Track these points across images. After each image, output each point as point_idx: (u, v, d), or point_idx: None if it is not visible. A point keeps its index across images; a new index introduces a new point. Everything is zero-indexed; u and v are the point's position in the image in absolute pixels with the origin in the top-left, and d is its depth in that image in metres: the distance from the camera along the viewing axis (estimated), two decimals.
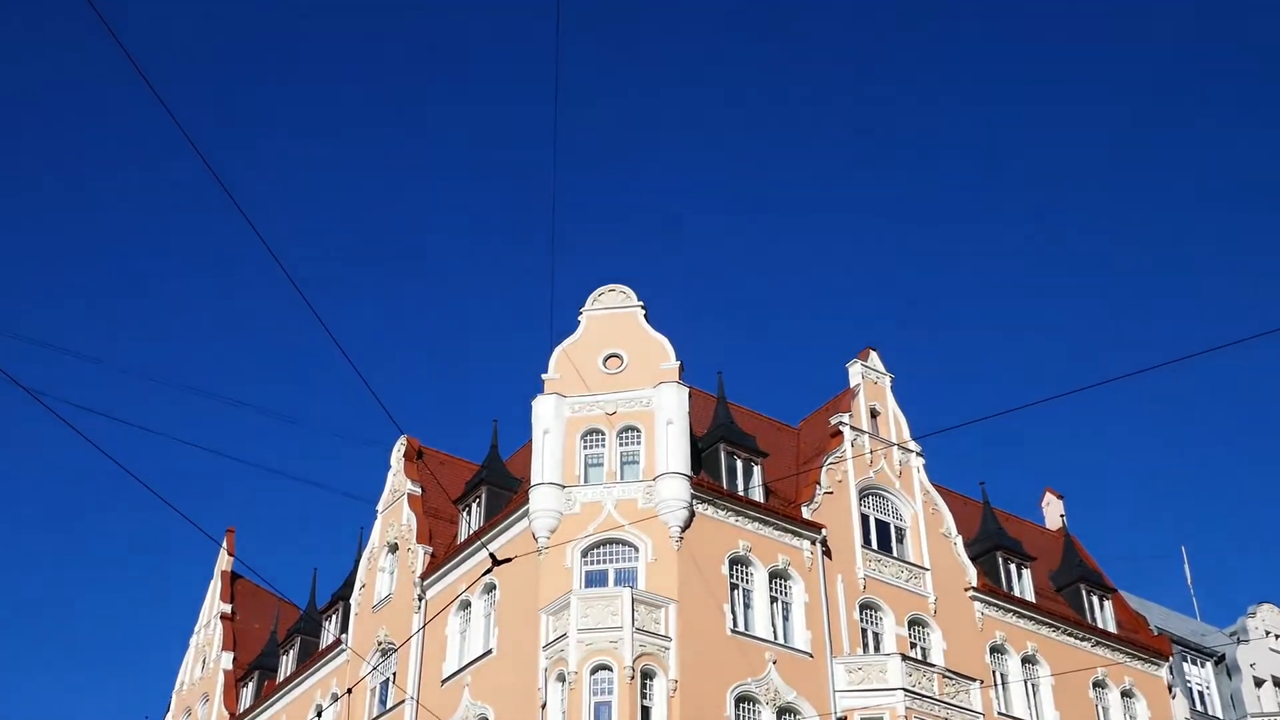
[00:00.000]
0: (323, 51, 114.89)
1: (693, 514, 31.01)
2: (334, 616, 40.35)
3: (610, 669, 28.26)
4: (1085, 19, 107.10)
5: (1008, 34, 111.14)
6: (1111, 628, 38.78)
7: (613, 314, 34.66)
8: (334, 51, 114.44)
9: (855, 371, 37.69)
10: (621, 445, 32.33)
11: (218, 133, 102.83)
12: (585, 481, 31.86)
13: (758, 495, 33.10)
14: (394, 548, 37.78)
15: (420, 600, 34.93)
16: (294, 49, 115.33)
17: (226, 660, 45.71)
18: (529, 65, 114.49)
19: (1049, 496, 44.71)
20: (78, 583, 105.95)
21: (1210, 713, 39.74)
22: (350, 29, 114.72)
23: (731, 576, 31.23)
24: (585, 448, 32.44)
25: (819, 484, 34.16)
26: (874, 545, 34.53)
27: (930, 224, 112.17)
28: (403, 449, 39.40)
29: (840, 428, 35.83)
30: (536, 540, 30.96)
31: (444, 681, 32.90)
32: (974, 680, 32.79)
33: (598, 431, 32.58)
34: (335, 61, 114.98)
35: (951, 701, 31.53)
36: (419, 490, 38.01)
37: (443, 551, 35.44)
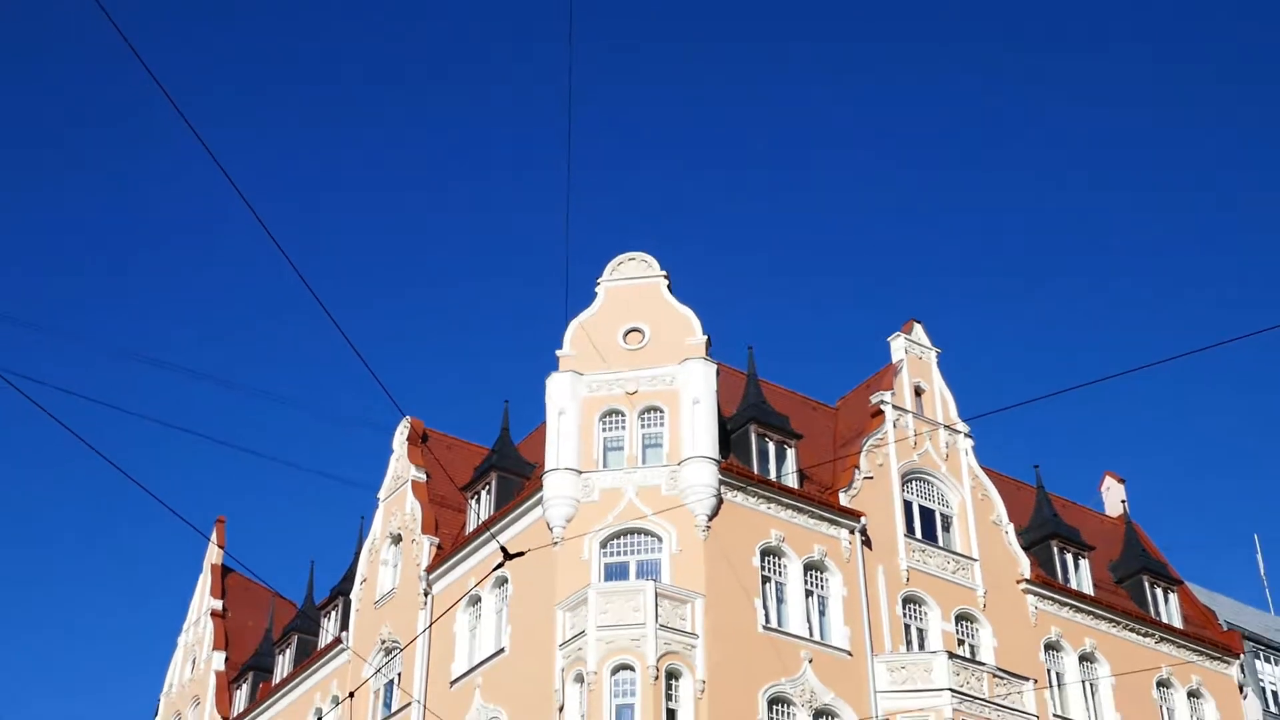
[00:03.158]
0: (327, 24, 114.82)
1: (720, 501, 30.90)
2: (333, 613, 40.32)
3: (633, 669, 28.20)
4: None
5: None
6: (1177, 623, 38.44)
7: (633, 285, 34.44)
8: (341, 28, 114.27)
9: (898, 346, 37.43)
10: (643, 427, 32.24)
11: (212, 113, 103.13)
12: (604, 467, 31.75)
13: (791, 481, 33.00)
14: (397, 539, 37.77)
15: (426, 596, 35.04)
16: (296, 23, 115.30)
17: (218, 660, 45.67)
18: (542, 18, 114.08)
19: (1109, 481, 44.46)
20: (49, 579, 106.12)
21: None
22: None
23: (763, 569, 31.13)
24: (604, 430, 32.33)
25: (858, 468, 34.03)
26: (918, 534, 34.40)
27: (982, 183, 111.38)
28: (406, 432, 39.21)
29: (881, 407, 35.60)
30: (551, 531, 30.92)
31: (453, 683, 33.07)
32: (1027, 680, 32.52)
33: (617, 412, 32.45)
34: (341, 37, 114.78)
35: (1003, 703, 31.33)
36: (424, 476, 37.90)
37: (450, 543, 35.46)
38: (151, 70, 13.69)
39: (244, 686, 44.12)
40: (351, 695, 35.60)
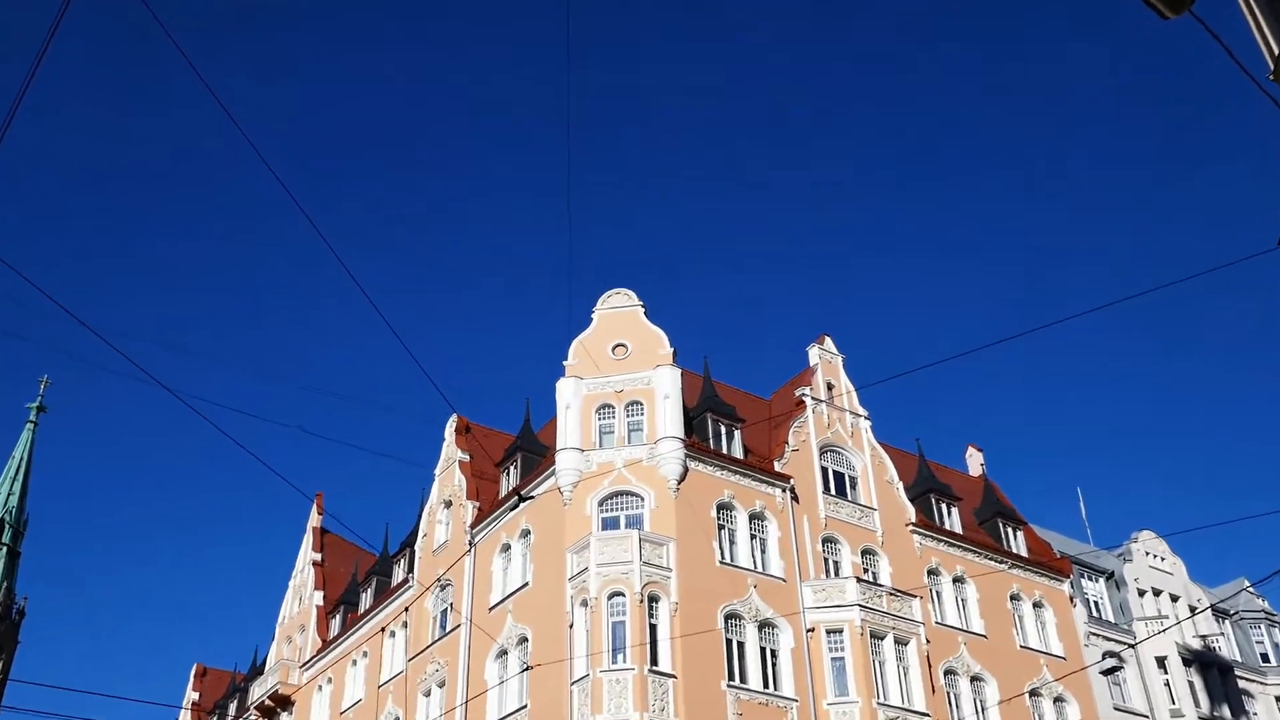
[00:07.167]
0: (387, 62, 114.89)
1: (686, 470, 29.94)
2: (403, 560, 39.40)
3: (624, 595, 27.38)
4: None
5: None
6: (1023, 552, 37.75)
7: (619, 311, 33.42)
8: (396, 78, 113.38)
9: (814, 353, 36.45)
10: (628, 416, 31.28)
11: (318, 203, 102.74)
12: (600, 446, 30.73)
13: (739, 453, 31.92)
14: (449, 504, 36.70)
15: (471, 545, 33.82)
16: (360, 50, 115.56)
17: (318, 598, 44.79)
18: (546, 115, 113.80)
19: (971, 450, 43.08)
20: (206, 536, 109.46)
21: (1104, 618, 38.04)
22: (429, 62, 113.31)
23: (719, 519, 30.13)
24: (599, 419, 31.36)
25: (787, 443, 33.01)
26: (832, 491, 33.30)
27: (876, 230, 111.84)
28: (454, 424, 38.24)
29: (803, 398, 34.67)
30: (562, 494, 29.94)
31: (491, 609, 31.92)
32: (914, 596, 31.57)
33: (609, 406, 31.44)
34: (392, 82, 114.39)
35: (898, 614, 30.25)
36: (468, 457, 36.89)
37: (488, 506, 34.39)
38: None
39: (337, 616, 43.05)
40: (407, 613, 34.53)
